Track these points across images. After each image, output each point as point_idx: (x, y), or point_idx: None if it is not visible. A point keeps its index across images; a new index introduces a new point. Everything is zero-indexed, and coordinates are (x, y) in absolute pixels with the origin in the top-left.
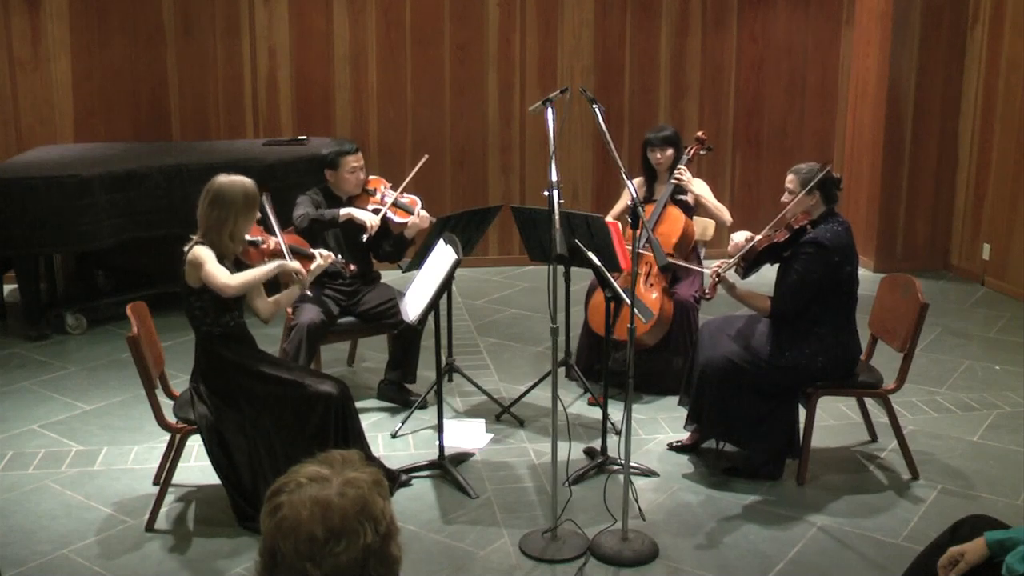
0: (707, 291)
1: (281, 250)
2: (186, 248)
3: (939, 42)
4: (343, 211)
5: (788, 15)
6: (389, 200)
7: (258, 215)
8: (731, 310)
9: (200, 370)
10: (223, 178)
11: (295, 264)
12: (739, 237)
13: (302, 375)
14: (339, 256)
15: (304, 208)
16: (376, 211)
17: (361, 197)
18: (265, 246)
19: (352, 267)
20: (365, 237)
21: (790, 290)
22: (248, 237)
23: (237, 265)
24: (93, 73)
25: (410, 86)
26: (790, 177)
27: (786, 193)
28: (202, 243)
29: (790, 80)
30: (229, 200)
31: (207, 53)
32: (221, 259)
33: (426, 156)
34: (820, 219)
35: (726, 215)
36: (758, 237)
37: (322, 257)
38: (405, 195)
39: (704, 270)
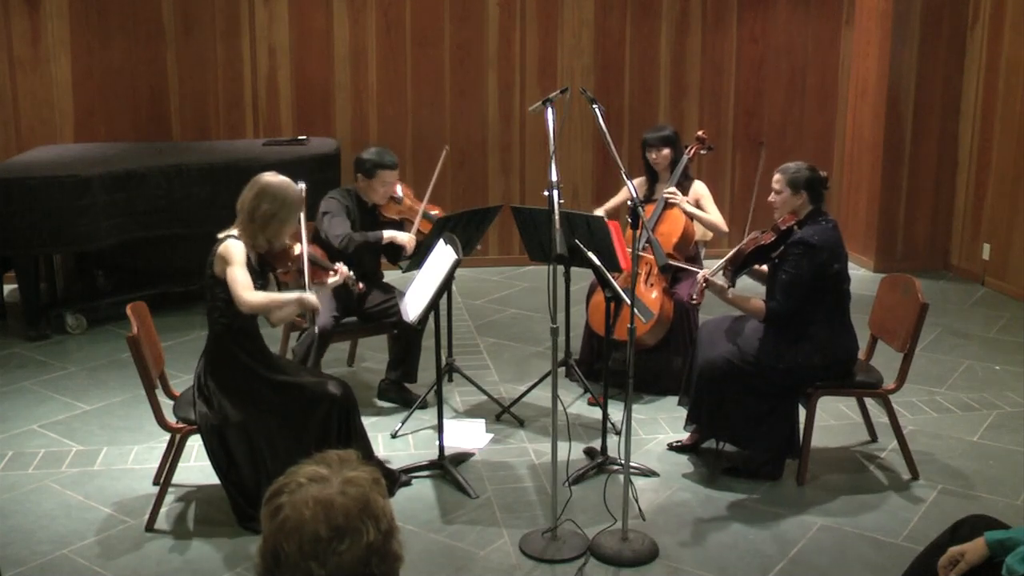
0: (695, 297)
1: (301, 257)
2: (220, 236)
3: (939, 42)
4: (386, 235)
5: (788, 15)
6: (419, 213)
7: (297, 227)
8: (730, 310)
9: (209, 363)
10: (276, 177)
11: (314, 301)
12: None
13: (306, 376)
14: (352, 273)
15: (342, 225)
16: (406, 220)
17: (388, 205)
18: (291, 250)
19: (361, 286)
20: (405, 254)
21: (782, 291)
22: None
23: (260, 263)
24: (93, 73)
25: (410, 86)
26: (777, 176)
27: (773, 193)
28: (237, 238)
29: (790, 80)
30: (281, 198)
31: (207, 53)
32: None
33: (447, 148)
34: (807, 218)
35: (722, 225)
36: (744, 240)
37: (340, 274)
38: (432, 207)
39: (703, 271)
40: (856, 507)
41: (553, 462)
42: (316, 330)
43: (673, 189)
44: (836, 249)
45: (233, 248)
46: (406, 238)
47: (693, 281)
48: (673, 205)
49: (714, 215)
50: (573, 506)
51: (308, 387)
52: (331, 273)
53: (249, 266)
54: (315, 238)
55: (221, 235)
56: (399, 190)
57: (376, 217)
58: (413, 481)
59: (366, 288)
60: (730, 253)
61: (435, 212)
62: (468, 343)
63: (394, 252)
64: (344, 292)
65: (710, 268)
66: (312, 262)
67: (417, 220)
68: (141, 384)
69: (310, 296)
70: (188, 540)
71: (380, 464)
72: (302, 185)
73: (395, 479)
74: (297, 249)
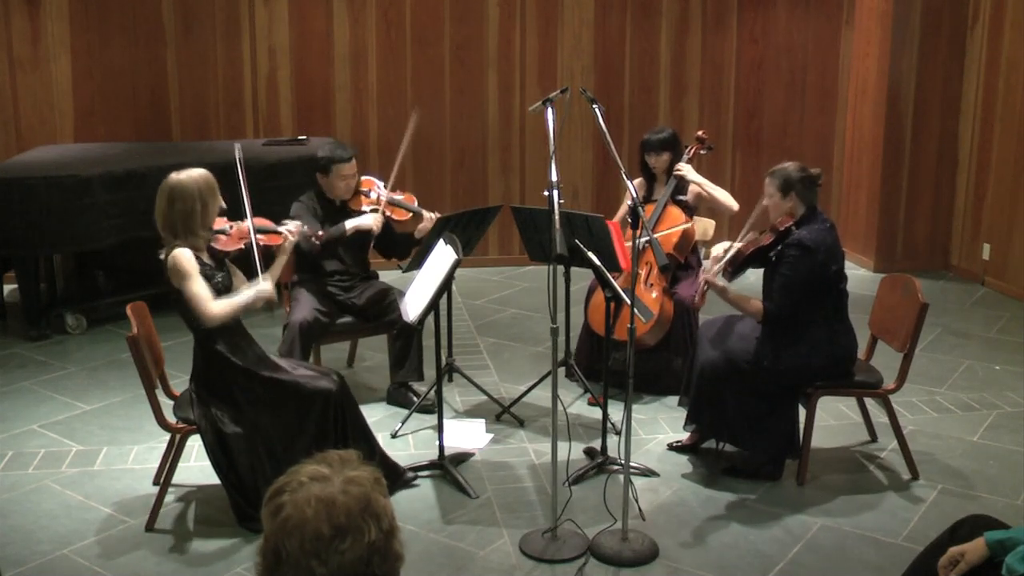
0: (696, 300)
1: (248, 234)
2: (162, 255)
3: (939, 42)
4: (349, 225)
5: (788, 15)
6: (384, 199)
7: (222, 205)
8: (731, 310)
9: (198, 370)
10: (176, 175)
11: (269, 290)
12: (718, 249)
13: (300, 373)
14: (304, 227)
15: (308, 224)
16: (374, 210)
17: (355, 198)
18: (234, 231)
19: (320, 233)
20: (372, 242)
21: (780, 292)
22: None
23: (211, 254)
24: (93, 73)
25: (410, 86)
26: (767, 180)
27: (766, 197)
28: (178, 245)
29: (790, 80)
30: (191, 192)
31: (207, 53)
32: (197, 255)
33: (415, 114)
34: (804, 219)
35: (730, 201)
36: (742, 243)
37: (290, 233)
38: (399, 192)
39: (704, 273)
40: (856, 507)
41: (553, 462)
42: (297, 323)
43: (681, 165)
44: (832, 250)
45: (182, 259)
46: (370, 220)
47: (693, 280)
48: (679, 202)
49: (720, 193)
50: (573, 506)
51: (302, 384)
52: (283, 236)
53: (204, 269)
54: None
55: (161, 253)
56: (365, 183)
57: (348, 213)
58: (416, 480)
59: (324, 236)
60: (729, 254)
61: (400, 196)
62: (468, 343)
63: (382, 243)
64: (340, 285)
65: (709, 268)
66: (262, 231)
67: (383, 206)
68: (141, 384)
69: (264, 287)
70: (188, 540)
71: (384, 459)
72: (203, 171)
73: (399, 474)
74: (236, 227)
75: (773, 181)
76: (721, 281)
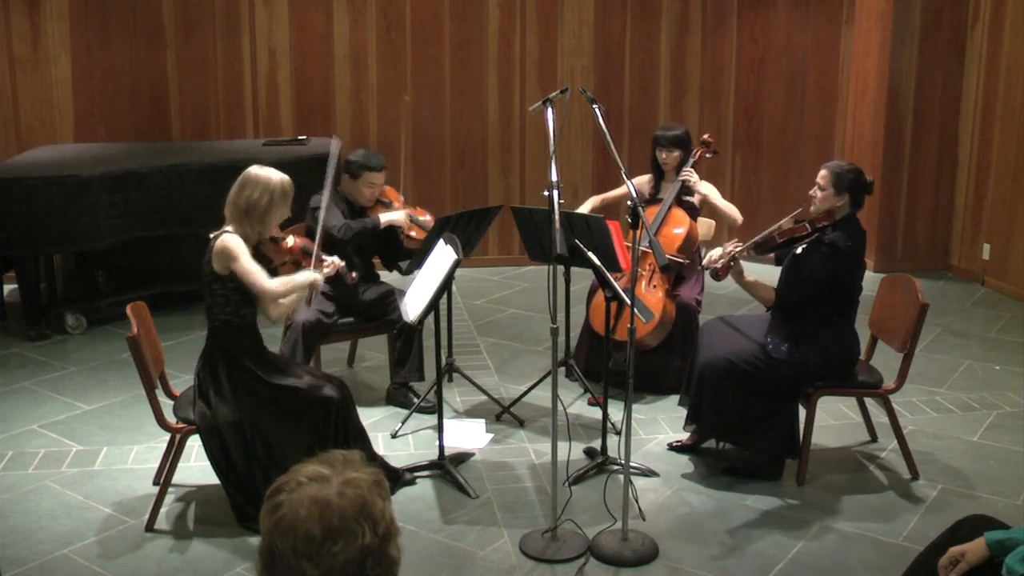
0: (719, 271)
1: (298, 248)
2: (212, 235)
3: (939, 42)
4: (383, 218)
5: (788, 15)
6: (408, 218)
7: (288, 215)
8: (731, 311)
9: (207, 361)
10: (259, 168)
11: (320, 280)
12: (716, 253)
13: (303, 377)
14: (344, 264)
15: (338, 216)
16: (398, 229)
17: (375, 207)
18: (284, 243)
19: (354, 275)
20: (403, 233)
21: (800, 284)
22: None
23: (256, 258)
24: (93, 73)
25: (410, 86)
26: (822, 172)
27: (816, 187)
28: (231, 232)
29: (790, 80)
30: (265, 185)
31: (207, 53)
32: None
33: (406, 96)
34: (841, 221)
35: (736, 214)
36: (781, 226)
37: (331, 265)
38: (421, 213)
39: (734, 247)
40: (856, 507)
41: (553, 462)
42: (300, 323)
43: (690, 169)
44: (859, 260)
45: (232, 243)
46: (402, 215)
47: (696, 282)
48: (684, 203)
49: (727, 206)
50: (573, 506)
51: (304, 390)
52: (323, 265)
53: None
54: (307, 233)
55: (213, 234)
56: (388, 193)
57: (366, 216)
58: (414, 480)
59: (358, 278)
60: (761, 236)
61: (425, 218)
62: (468, 343)
63: (389, 252)
64: (340, 288)
65: (728, 245)
66: (305, 252)
67: (404, 224)
68: (141, 384)
69: (319, 275)
70: (188, 540)
71: (383, 463)
72: (285, 176)
73: (398, 477)
74: (290, 241)
75: (829, 176)
76: (742, 262)
